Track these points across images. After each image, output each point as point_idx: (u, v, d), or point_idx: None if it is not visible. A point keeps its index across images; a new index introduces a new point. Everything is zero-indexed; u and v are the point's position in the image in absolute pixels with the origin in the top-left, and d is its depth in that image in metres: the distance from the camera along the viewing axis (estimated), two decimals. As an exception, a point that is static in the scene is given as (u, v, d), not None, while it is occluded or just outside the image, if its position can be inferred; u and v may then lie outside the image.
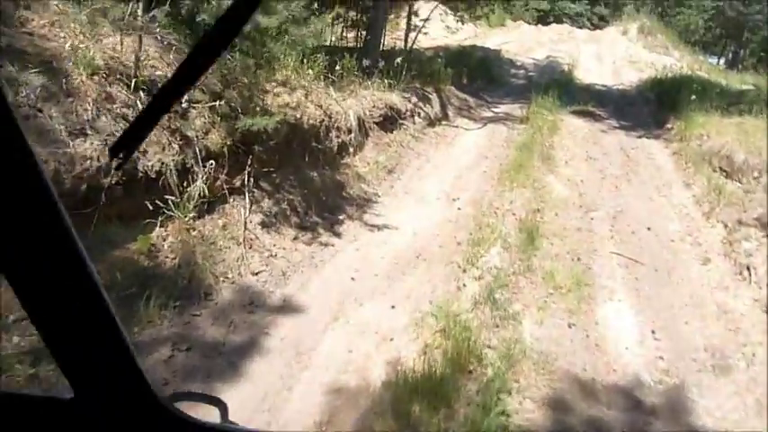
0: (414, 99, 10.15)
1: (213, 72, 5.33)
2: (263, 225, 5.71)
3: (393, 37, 15.66)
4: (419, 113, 10.18)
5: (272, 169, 6.11)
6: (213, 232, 5.26)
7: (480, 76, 14.40)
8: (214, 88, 5.50)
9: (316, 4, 6.28)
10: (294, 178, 6.43)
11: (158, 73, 5.29)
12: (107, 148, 4.34)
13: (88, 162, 4.33)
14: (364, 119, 8.20)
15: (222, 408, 1.19)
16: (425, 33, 14.82)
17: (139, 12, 5.10)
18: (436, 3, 15.32)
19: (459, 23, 16.65)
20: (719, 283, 5.59)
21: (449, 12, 16.95)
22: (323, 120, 7.16)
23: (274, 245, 5.61)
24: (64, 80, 4.47)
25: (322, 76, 7.79)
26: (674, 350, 4.60)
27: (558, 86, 12.56)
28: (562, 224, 6.80)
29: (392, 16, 16.13)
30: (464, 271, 5.44)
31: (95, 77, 4.74)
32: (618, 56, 19.42)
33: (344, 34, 14.63)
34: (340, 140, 7.45)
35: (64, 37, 4.83)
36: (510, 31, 23.74)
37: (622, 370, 4.36)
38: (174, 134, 5.06)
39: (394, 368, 4.15)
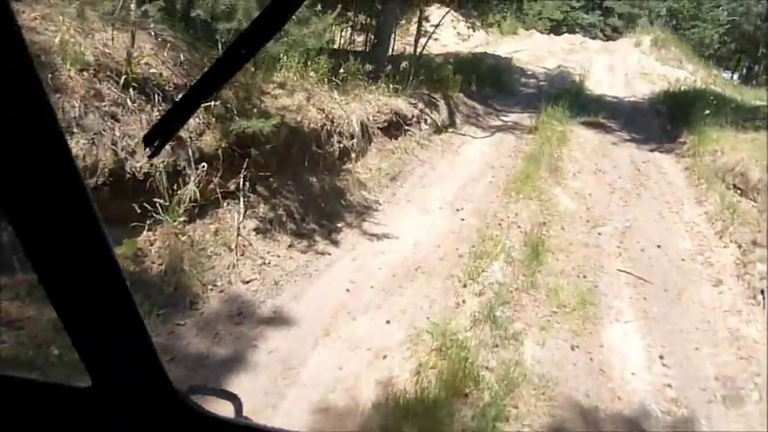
0: (420, 105, 9.93)
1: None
2: (258, 231, 5.50)
3: (403, 42, 15.48)
4: (425, 120, 9.96)
5: (269, 173, 5.90)
6: (204, 238, 5.06)
7: (490, 84, 14.18)
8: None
9: (320, 6, 6.04)
10: (292, 183, 6.22)
11: (152, 71, 5.10)
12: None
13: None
14: (368, 124, 7.99)
15: (237, 403, 1.22)
16: (436, 39, 14.64)
17: (132, 6, 4.91)
18: (448, 9, 15.11)
19: (471, 30, 16.42)
20: (732, 307, 5.33)
21: (460, 18, 16.75)
22: (324, 124, 6.95)
23: (268, 252, 5.40)
24: (51, 75, 4.28)
25: (326, 79, 7.59)
26: (683, 378, 4.35)
27: (569, 97, 12.32)
28: (568, 239, 6.57)
29: (403, 21, 15.98)
30: (464, 286, 5.22)
31: (84, 73, 4.55)
32: (630, 67, 19.16)
33: (353, 38, 14.49)
34: (342, 145, 7.23)
35: (54, 30, 4.65)
36: (522, 39, 23.51)
37: (628, 398, 4.11)
38: (165, 134, 4.85)
39: (385, 388, 3.93)
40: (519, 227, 6.65)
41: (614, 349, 4.63)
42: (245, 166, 5.52)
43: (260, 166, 5.76)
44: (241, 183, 5.53)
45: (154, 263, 4.64)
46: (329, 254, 5.70)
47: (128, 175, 4.58)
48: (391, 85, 9.14)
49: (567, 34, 26.66)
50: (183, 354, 4.04)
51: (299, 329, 4.57)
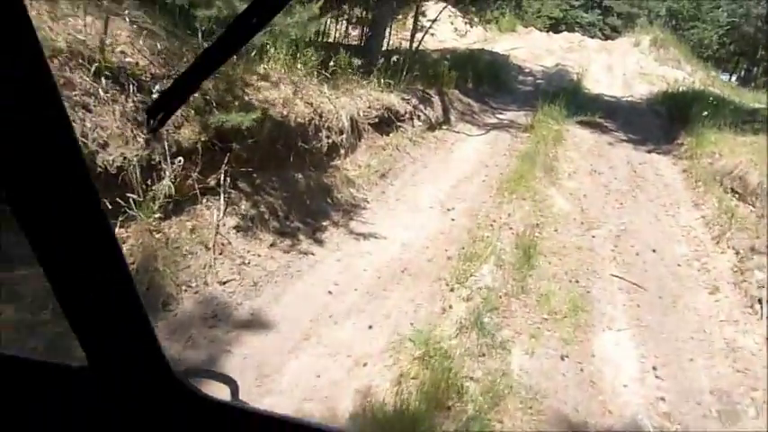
0: (414, 101, 9.71)
1: (187, 60, 4.90)
2: (238, 229, 5.28)
3: (400, 37, 15.24)
4: (419, 116, 9.74)
5: (251, 169, 5.67)
6: (180, 235, 4.83)
7: (487, 81, 13.96)
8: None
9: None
10: (276, 179, 5.99)
11: (128, 60, 4.86)
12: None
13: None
14: (358, 119, 7.77)
15: (233, 386, 1.22)
16: (432, 35, 14.40)
17: (106, -10, 4.68)
18: (445, 4, 14.87)
19: (468, 26, 16.18)
20: (728, 316, 5.14)
21: (458, 14, 16.51)
22: (312, 118, 6.72)
23: (248, 251, 5.18)
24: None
25: (315, 73, 7.37)
26: (677, 390, 4.15)
27: (566, 95, 12.10)
28: (561, 241, 6.37)
29: (400, 16, 15.73)
30: (452, 290, 5.01)
31: (55, 61, 4.31)
32: (629, 67, 18.96)
33: (348, 31, 14.25)
34: (330, 141, 7.01)
35: (24, 15, 4.40)
36: (520, 37, 23.27)
37: (619, 411, 3.91)
38: (139, 126, 4.62)
39: (364, 399, 3.73)
40: (511, 228, 6.45)
41: (606, 359, 4.44)
42: (225, 161, 5.29)
43: (242, 161, 5.53)
44: (222, 178, 5.30)
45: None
46: (313, 254, 5.49)
47: (99, 169, 4.33)
48: (384, 80, 8.92)
49: (565, 32, 26.44)
50: (151, 358, 3.82)
51: (276, 334, 4.36)
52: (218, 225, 5.10)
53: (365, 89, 8.38)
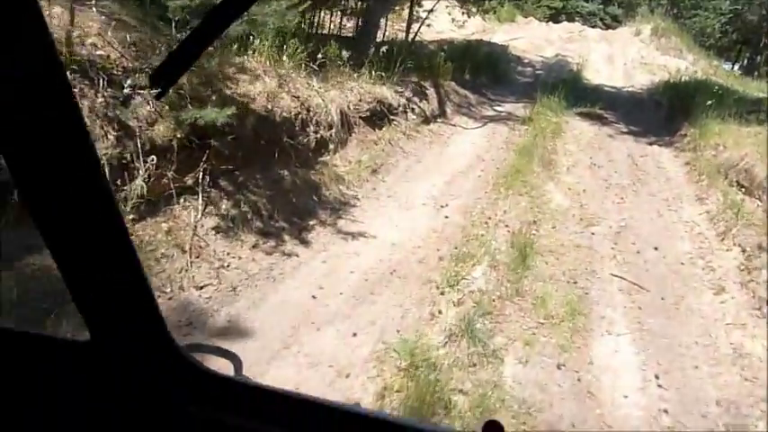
0: (408, 93, 9.41)
1: (161, 53, 4.62)
2: (218, 230, 5.02)
3: (396, 28, 14.94)
4: (413, 109, 9.45)
5: (233, 167, 5.41)
6: (155, 238, 4.57)
7: (485, 73, 13.62)
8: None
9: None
10: (260, 177, 5.73)
11: (99, 52, 4.59)
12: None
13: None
14: (349, 113, 7.49)
15: (237, 362, 1.24)
16: (429, 26, 14.12)
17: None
18: (442, -7, 14.56)
19: (466, 17, 15.86)
20: (735, 319, 4.87)
21: (456, 4, 16.18)
22: (299, 113, 6.45)
23: (228, 253, 4.92)
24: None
25: (303, 65, 7.09)
26: (680, 401, 3.89)
27: (566, 86, 11.80)
28: (559, 239, 6.10)
29: (397, 7, 15.42)
30: (442, 293, 4.75)
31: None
32: (629, 57, 18.59)
33: (343, 22, 13.94)
34: (318, 136, 6.73)
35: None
36: (520, 27, 22.89)
37: (618, 425, 3.65)
38: (110, 123, 4.36)
39: (345, 414, 3.46)
40: (507, 226, 6.19)
41: (605, 367, 4.17)
42: (204, 159, 5.03)
43: (223, 158, 5.27)
44: (200, 177, 5.04)
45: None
46: (297, 255, 5.22)
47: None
48: (376, 72, 8.62)
49: (565, 22, 26.04)
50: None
51: (254, 342, 4.10)
52: (195, 226, 4.85)
53: (356, 82, 8.09)
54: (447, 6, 15.95)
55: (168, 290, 4.33)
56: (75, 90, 4.28)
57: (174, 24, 4.74)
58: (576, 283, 5.26)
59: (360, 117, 7.81)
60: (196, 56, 0.78)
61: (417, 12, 14.46)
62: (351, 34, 12.88)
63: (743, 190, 7.03)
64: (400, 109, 8.98)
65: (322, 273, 5.04)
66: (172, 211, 4.82)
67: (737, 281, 5.42)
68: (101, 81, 4.46)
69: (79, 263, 0.82)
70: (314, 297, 4.68)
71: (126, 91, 4.57)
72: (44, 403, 0.97)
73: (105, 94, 4.44)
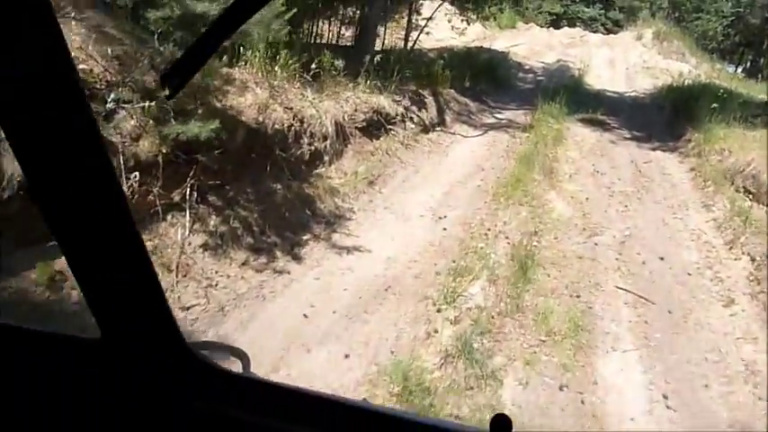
0: (406, 102, 9.24)
1: (143, 66, 4.47)
2: (206, 248, 4.85)
3: (396, 37, 14.81)
4: (411, 118, 9.28)
5: (222, 181, 5.25)
6: (139, 257, 4.40)
7: (485, 80, 13.45)
8: (148, 85, 4.60)
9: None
10: (251, 191, 5.56)
11: (81, 66, 4.44)
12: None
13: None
14: (344, 124, 7.32)
15: (245, 359, 1.20)
16: (428, 33, 13.99)
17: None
18: (441, 1, 14.42)
19: (466, 24, 15.72)
20: (746, 332, 4.66)
21: (455, 12, 16.05)
22: (291, 124, 6.29)
23: (216, 272, 4.75)
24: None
25: (297, 76, 6.93)
26: (691, 423, 3.69)
27: (567, 92, 11.63)
28: (561, 250, 5.91)
29: (396, 15, 15.31)
30: (438, 310, 4.56)
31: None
32: (631, 61, 18.41)
33: (342, 32, 13.82)
34: (312, 148, 6.57)
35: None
36: (521, 33, 22.76)
37: (625, 451, 3.46)
38: (91, 139, 4.19)
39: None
40: (507, 237, 6.00)
41: (610, 387, 3.98)
42: (191, 174, 4.86)
43: (211, 173, 5.10)
44: (188, 193, 4.87)
45: (75, 288, 3.99)
46: (289, 272, 5.05)
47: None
48: (373, 82, 8.46)
49: (567, 28, 25.94)
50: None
51: (242, 364, 3.91)
52: (182, 244, 4.69)
53: (352, 92, 7.93)
54: (446, 14, 15.82)
55: (152, 312, 4.16)
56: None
57: (156, 36, 4.59)
58: (578, 296, 5.07)
59: (356, 127, 7.64)
60: (208, 56, 0.78)
61: (416, 20, 14.36)
62: (349, 43, 12.76)
63: (750, 196, 6.82)
64: (398, 118, 8.81)
65: (314, 290, 4.87)
66: (158, 229, 4.65)
67: (747, 292, 5.22)
68: (82, 96, 4.30)
69: (90, 261, 0.83)
70: (305, 316, 4.51)
71: (109, 105, 4.41)
72: (55, 399, 0.98)
73: (86, 109, 4.28)
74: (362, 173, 7.15)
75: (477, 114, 11.58)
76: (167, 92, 0.79)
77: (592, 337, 4.51)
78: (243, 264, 4.95)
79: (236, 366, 1.14)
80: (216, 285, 4.62)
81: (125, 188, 4.32)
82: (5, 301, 3.82)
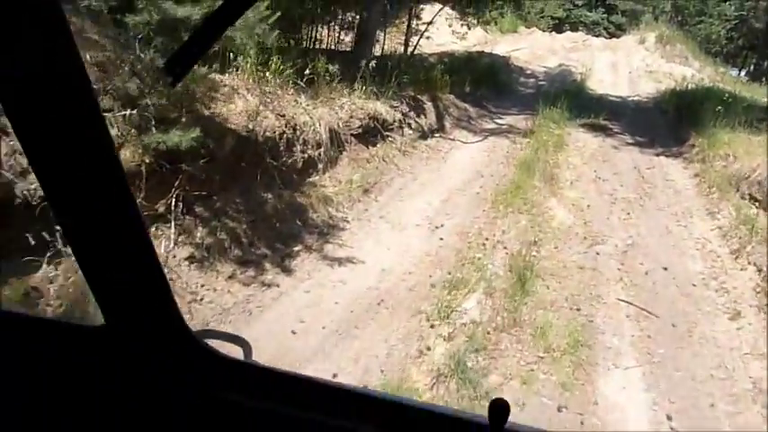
0: (403, 108, 9.08)
1: (124, 73, 4.30)
2: (192, 260, 4.69)
3: (396, 42, 14.66)
4: (409, 124, 9.12)
5: (209, 192, 5.08)
6: (120, 271, 4.23)
7: (486, 85, 13.29)
8: (131, 92, 4.43)
9: None
10: (241, 202, 5.40)
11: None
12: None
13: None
14: (339, 130, 7.16)
15: (247, 347, 1.23)
16: (428, 38, 13.83)
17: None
18: (441, 6, 14.28)
19: (467, 28, 15.56)
20: (753, 347, 4.47)
21: (456, 16, 15.91)
22: (284, 132, 6.12)
23: (202, 285, 4.58)
24: None
25: (290, 82, 6.77)
26: (696, 447, 3.50)
27: (569, 97, 11.46)
28: (562, 260, 5.73)
29: (397, 20, 15.17)
30: (432, 326, 4.38)
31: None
32: (634, 65, 18.24)
33: (341, 37, 13.68)
34: (306, 156, 6.40)
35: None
36: (522, 37, 22.62)
37: (627, 477, 3.27)
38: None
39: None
40: (505, 247, 5.83)
41: (611, 407, 3.79)
42: (176, 185, 4.70)
43: (198, 183, 4.93)
44: (173, 204, 4.71)
45: (51, 305, 3.83)
46: (277, 285, 4.87)
47: (18, 200, 3.77)
48: (370, 87, 8.30)
49: (569, 32, 25.78)
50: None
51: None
52: (167, 257, 4.51)
53: (348, 98, 7.77)
54: (447, 19, 15.67)
55: (132, 329, 3.99)
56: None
57: (137, 42, 4.43)
58: (579, 309, 4.88)
59: (351, 134, 7.48)
60: (211, 43, 0.78)
61: (417, 24, 14.21)
62: (348, 49, 12.61)
63: (756, 204, 6.63)
64: (395, 124, 8.65)
65: (304, 304, 4.69)
66: (140, 242, 4.48)
67: (754, 304, 5.02)
68: (60, 104, 4.15)
69: (95, 250, 0.84)
70: (293, 332, 4.33)
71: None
72: (58, 386, 0.99)
73: (65, 118, 4.12)
74: (357, 181, 6.98)
75: (477, 120, 11.42)
76: (170, 79, 0.80)
77: (592, 353, 4.32)
78: (230, 277, 4.78)
79: (237, 354, 1.15)
80: (201, 300, 4.45)
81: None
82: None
